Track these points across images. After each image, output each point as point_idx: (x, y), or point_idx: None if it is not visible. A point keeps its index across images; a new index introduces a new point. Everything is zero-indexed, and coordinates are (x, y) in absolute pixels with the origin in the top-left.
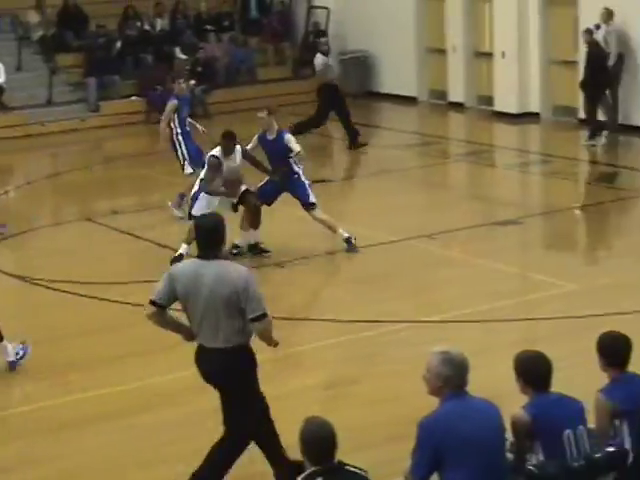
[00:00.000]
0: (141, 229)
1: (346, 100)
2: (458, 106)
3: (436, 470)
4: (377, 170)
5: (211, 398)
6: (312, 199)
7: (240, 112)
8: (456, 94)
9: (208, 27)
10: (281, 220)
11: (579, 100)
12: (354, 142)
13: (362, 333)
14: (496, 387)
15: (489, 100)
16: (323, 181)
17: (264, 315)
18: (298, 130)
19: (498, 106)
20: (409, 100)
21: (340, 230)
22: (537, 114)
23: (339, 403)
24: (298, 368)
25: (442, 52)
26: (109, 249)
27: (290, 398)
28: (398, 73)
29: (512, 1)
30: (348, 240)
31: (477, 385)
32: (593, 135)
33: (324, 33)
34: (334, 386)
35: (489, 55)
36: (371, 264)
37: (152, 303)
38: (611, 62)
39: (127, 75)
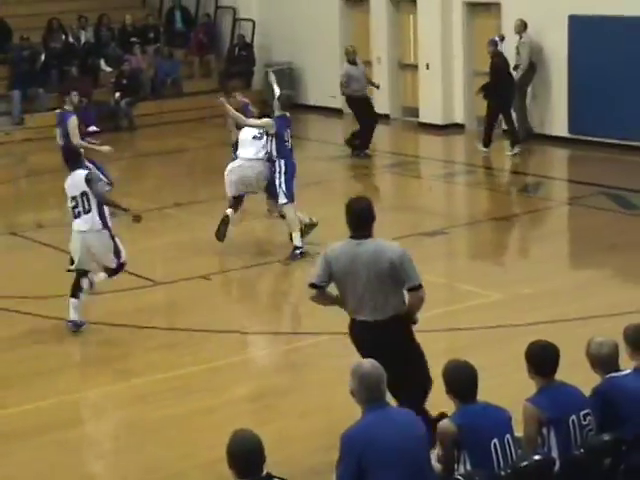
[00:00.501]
0: (66, 242)
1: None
2: (384, 117)
3: None
4: (304, 182)
5: (144, 410)
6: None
7: (166, 124)
8: (381, 106)
9: (133, 39)
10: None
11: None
12: (360, 149)
13: (290, 344)
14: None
15: (414, 111)
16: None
17: (420, 285)
18: (362, 146)
19: (423, 117)
20: (335, 112)
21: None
22: (462, 125)
23: (269, 415)
24: (227, 380)
25: (367, 64)
26: (34, 263)
27: (219, 411)
28: (324, 85)
29: (436, 13)
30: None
31: None
32: (514, 144)
33: (249, 45)
34: (263, 398)
35: (414, 67)
36: (298, 276)
37: (313, 286)
38: (521, 72)
39: (52, 88)
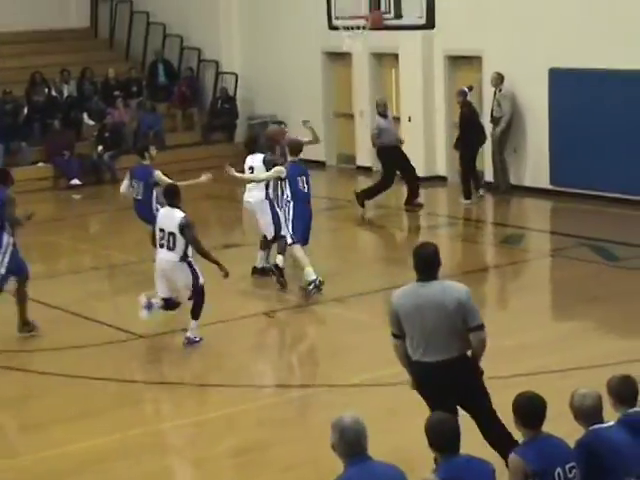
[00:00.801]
0: (49, 296)
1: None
2: (366, 170)
3: None
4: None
5: (126, 465)
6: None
7: None
8: (364, 158)
9: (116, 93)
10: None
11: (486, 163)
12: (411, 201)
13: (272, 398)
14: (406, 450)
15: None
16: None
17: (482, 326)
18: (367, 196)
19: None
20: (318, 165)
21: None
22: (444, 177)
23: (253, 470)
24: (210, 435)
25: (350, 117)
26: (16, 317)
27: (203, 466)
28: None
29: (417, 66)
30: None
31: (387, 448)
32: (469, 194)
33: (232, 98)
34: (247, 452)
35: (396, 119)
36: (280, 329)
37: (394, 335)
38: (504, 124)
39: (34, 141)
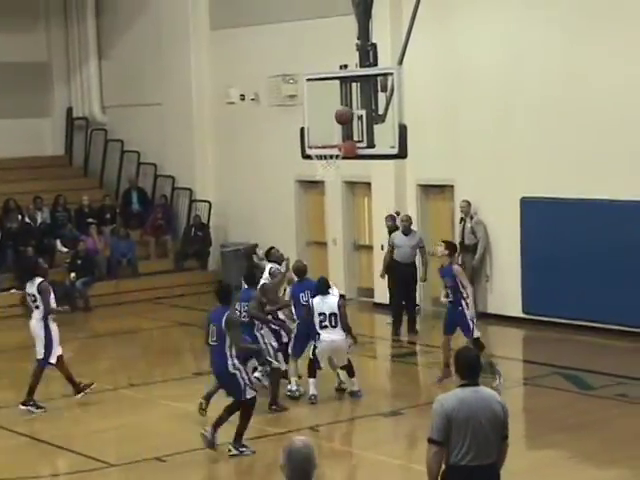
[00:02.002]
0: (19, 424)
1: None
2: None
3: None
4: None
5: None
6: None
7: (121, 305)
8: (337, 286)
9: (90, 220)
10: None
11: None
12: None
13: None
14: None
15: (369, 292)
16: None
17: (508, 436)
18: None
19: (378, 298)
20: None
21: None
22: (417, 306)
23: None
24: None
25: (323, 245)
26: None
27: None
28: None
29: (390, 195)
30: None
31: None
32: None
33: (206, 226)
34: None
35: (369, 248)
36: (252, 458)
37: (434, 442)
38: (481, 251)
39: (7, 268)
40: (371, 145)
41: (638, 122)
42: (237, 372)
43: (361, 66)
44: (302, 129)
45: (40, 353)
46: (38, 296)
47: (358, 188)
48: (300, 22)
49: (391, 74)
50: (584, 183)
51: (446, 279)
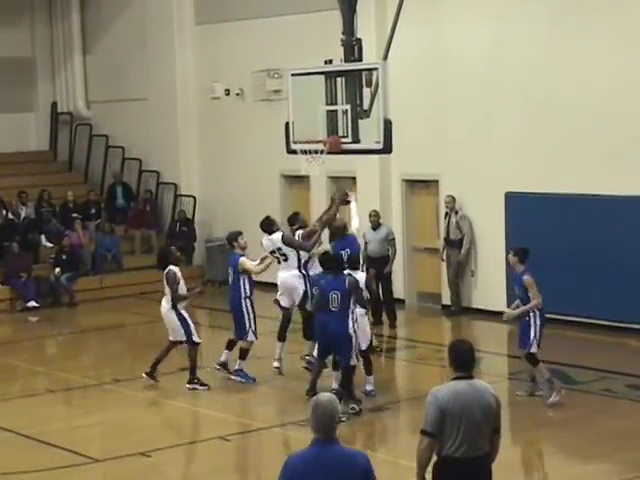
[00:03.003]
0: (2, 419)
1: None
2: None
3: None
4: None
5: None
6: None
7: (106, 300)
8: None
9: (74, 215)
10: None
11: (442, 286)
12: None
13: None
14: None
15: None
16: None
17: (500, 429)
18: None
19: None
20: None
21: None
22: (402, 300)
23: None
24: None
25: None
26: None
27: None
28: None
29: (374, 190)
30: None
31: None
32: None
33: (191, 221)
34: None
35: None
36: (238, 453)
37: (426, 434)
38: (468, 245)
39: None
40: (356, 140)
41: (623, 117)
42: (354, 336)
43: (346, 61)
44: (287, 124)
45: (181, 336)
46: (165, 284)
47: (343, 182)
48: (285, 17)
49: (376, 69)
50: (568, 178)
51: (515, 289)
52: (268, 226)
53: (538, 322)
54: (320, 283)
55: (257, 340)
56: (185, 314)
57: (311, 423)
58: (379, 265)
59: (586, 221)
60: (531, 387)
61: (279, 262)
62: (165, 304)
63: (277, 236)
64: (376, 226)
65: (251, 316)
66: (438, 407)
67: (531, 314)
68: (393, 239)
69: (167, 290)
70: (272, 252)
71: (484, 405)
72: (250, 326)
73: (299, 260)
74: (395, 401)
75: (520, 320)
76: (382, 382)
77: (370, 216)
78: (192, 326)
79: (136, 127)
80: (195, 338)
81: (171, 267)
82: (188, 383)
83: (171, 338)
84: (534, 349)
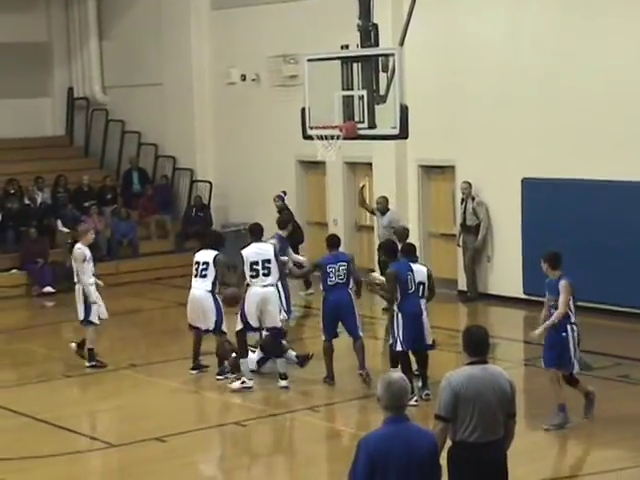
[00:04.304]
0: (19, 404)
1: None
2: None
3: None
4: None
5: None
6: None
7: (122, 285)
8: None
9: (86, 204)
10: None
11: (458, 272)
12: None
13: None
14: None
15: (370, 272)
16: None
17: (515, 414)
18: None
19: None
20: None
21: None
22: None
23: None
24: None
25: (323, 225)
26: None
27: None
28: None
29: (391, 176)
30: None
31: None
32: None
33: (206, 206)
34: None
35: (370, 228)
36: (254, 438)
37: (440, 419)
38: (484, 231)
39: (7, 248)
40: (372, 126)
41: None
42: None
43: (362, 46)
44: (303, 110)
45: (210, 324)
46: (212, 266)
47: (359, 169)
48: (301, 2)
49: (392, 55)
50: (585, 164)
51: (549, 297)
52: (259, 233)
53: (576, 335)
54: (402, 269)
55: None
56: (220, 302)
57: (384, 401)
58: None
59: (603, 207)
60: (562, 418)
61: (256, 276)
62: (203, 288)
63: (267, 247)
64: (384, 211)
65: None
66: (452, 391)
67: (569, 328)
68: (393, 227)
69: (210, 273)
70: (254, 263)
71: (498, 390)
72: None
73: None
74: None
75: (555, 335)
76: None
77: (377, 203)
78: (223, 315)
79: (152, 112)
80: (224, 327)
81: (218, 252)
82: (218, 375)
83: (199, 325)
84: (576, 368)
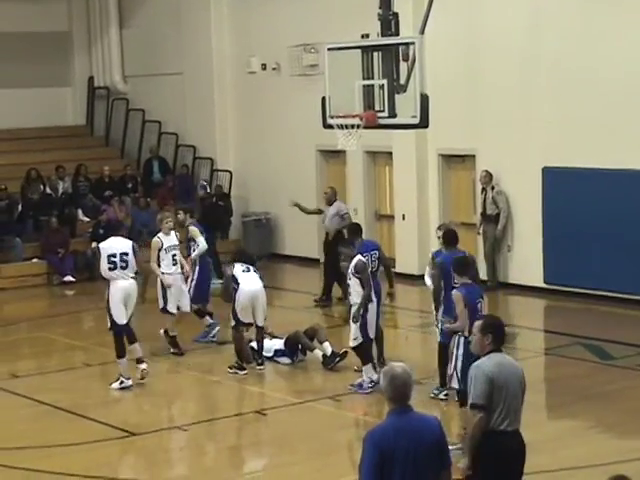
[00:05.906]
0: (40, 392)
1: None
2: None
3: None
4: (280, 332)
5: None
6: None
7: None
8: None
9: (106, 193)
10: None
11: (478, 261)
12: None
13: None
14: None
15: (391, 262)
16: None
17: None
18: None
19: (399, 267)
20: (312, 262)
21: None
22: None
23: None
24: None
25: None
26: (9, 414)
27: None
28: (300, 235)
29: (411, 165)
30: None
31: None
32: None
33: (227, 195)
34: None
35: (390, 217)
36: (274, 427)
37: (480, 408)
38: (504, 221)
39: (28, 237)
40: (392, 115)
41: None
42: None
43: (382, 35)
44: (323, 99)
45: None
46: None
47: (379, 158)
48: None
49: (413, 44)
50: (606, 152)
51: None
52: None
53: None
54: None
55: None
56: None
57: (389, 393)
58: (327, 240)
59: (624, 196)
60: None
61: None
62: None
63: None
64: (330, 202)
65: None
66: (486, 378)
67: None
68: (342, 215)
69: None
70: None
71: (520, 377)
72: None
73: None
74: (428, 376)
75: None
76: (415, 357)
77: (325, 193)
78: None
79: (172, 102)
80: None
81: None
82: (229, 368)
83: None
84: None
